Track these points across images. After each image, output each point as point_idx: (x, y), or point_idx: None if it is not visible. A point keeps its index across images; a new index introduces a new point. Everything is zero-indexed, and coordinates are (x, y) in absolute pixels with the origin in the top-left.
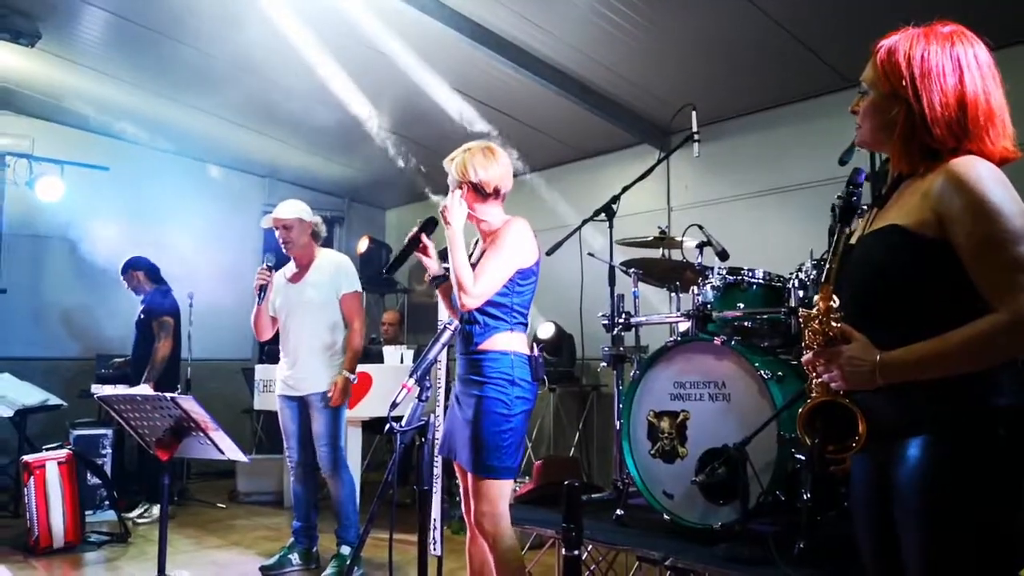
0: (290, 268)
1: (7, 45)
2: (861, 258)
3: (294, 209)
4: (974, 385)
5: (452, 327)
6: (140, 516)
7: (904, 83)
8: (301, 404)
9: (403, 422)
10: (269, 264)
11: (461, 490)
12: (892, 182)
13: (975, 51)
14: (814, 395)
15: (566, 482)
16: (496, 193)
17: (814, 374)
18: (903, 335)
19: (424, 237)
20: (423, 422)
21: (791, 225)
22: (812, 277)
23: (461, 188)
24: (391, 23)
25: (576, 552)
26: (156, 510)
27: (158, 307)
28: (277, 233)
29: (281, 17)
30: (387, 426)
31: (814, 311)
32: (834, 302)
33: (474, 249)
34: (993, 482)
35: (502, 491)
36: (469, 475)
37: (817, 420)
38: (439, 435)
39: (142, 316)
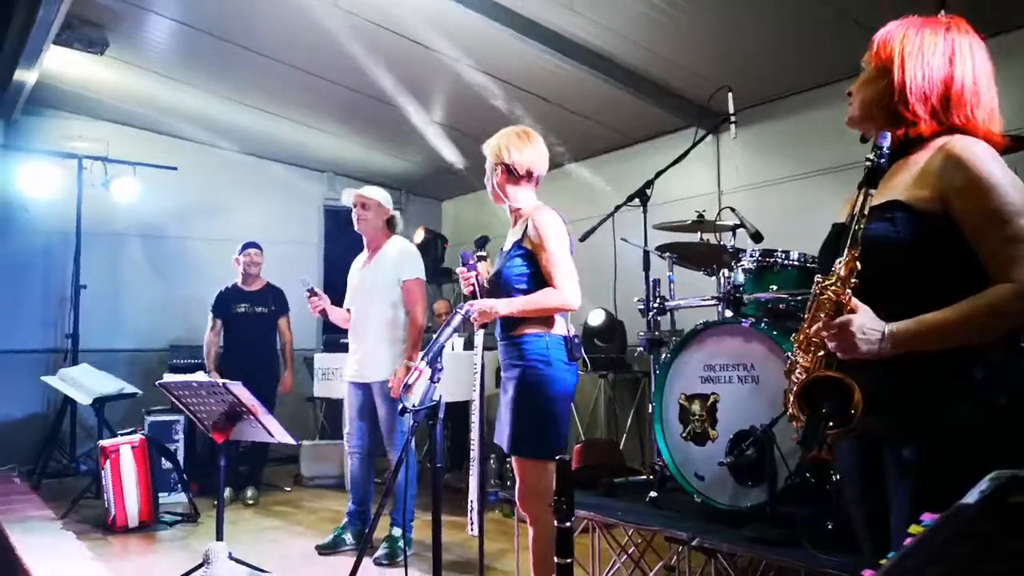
0: (363, 256)
1: (80, 54)
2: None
3: (376, 192)
4: (969, 358)
5: (462, 312)
6: (249, 499)
7: (893, 57)
8: (366, 390)
9: (415, 402)
10: (307, 288)
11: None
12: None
13: (970, 40)
14: (797, 375)
15: (559, 458)
16: (529, 176)
17: (803, 352)
18: (903, 309)
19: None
20: (435, 402)
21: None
22: None
23: (496, 169)
24: (437, 21)
25: (568, 524)
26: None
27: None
28: (354, 210)
29: (333, 17)
30: (400, 407)
31: (833, 277)
32: (857, 266)
33: (508, 238)
34: (995, 453)
35: (545, 470)
36: (513, 457)
37: (814, 398)
38: (475, 417)
39: (271, 310)
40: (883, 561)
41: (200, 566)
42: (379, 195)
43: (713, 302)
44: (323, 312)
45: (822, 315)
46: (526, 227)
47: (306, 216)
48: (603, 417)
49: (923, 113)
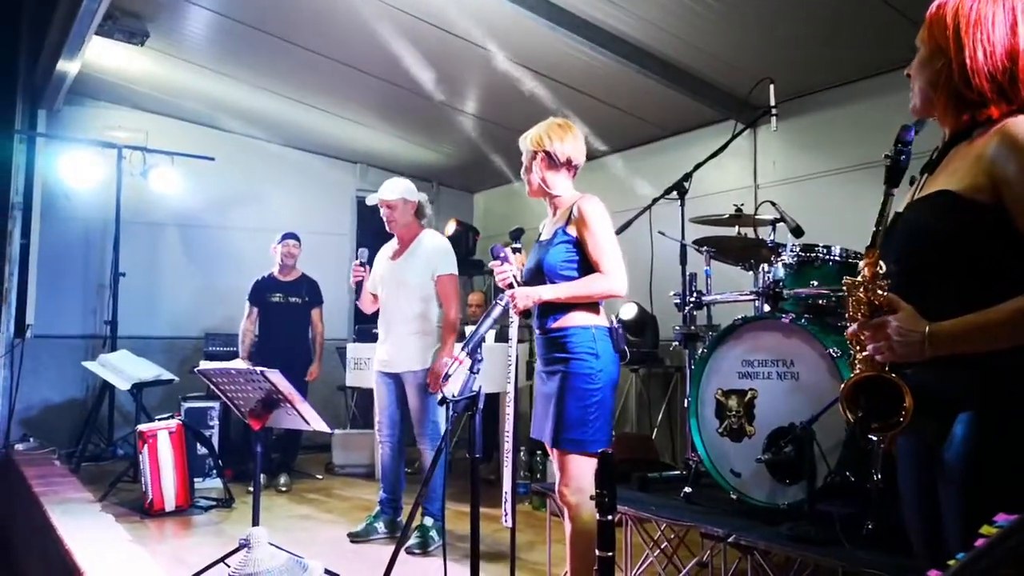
0: (392, 245)
1: (120, 45)
2: (908, 225)
3: (398, 189)
4: (1022, 358)
5: (502, 303)
6: (281, 486)
7: (948, 34)
8: (396, 381)
9: (456, 393)
10: (362, 260)
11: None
12: (943, 147)
13: None
14: (858, 370)
15: (602, 452)
16: (568, 164)
17: (857, 347)
18: (951, 305)
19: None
20: (474, 393)
21: None
22: None
23: (536, 157)
24: (472, 11)
25: (609, 517)
26: (283, 480)
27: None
28: (382, 211)
29: (369, 8)
30: (440, 397)
31: (859, 278)
32: (880, 268)
33: (543, 228)
34: None
35: (589, 465)
36: (555, 450)
37: (861, 396)
38: (509, 410)
39: (304, 300)
40: (951, 562)
41: (238, 550)
42: (400, 191)
43: (751, 297)
44: (356, 284)
45: (859, 315)
46: (570, 214)
47: (339, 206)
48: (634, 411)
49: (990, 94)
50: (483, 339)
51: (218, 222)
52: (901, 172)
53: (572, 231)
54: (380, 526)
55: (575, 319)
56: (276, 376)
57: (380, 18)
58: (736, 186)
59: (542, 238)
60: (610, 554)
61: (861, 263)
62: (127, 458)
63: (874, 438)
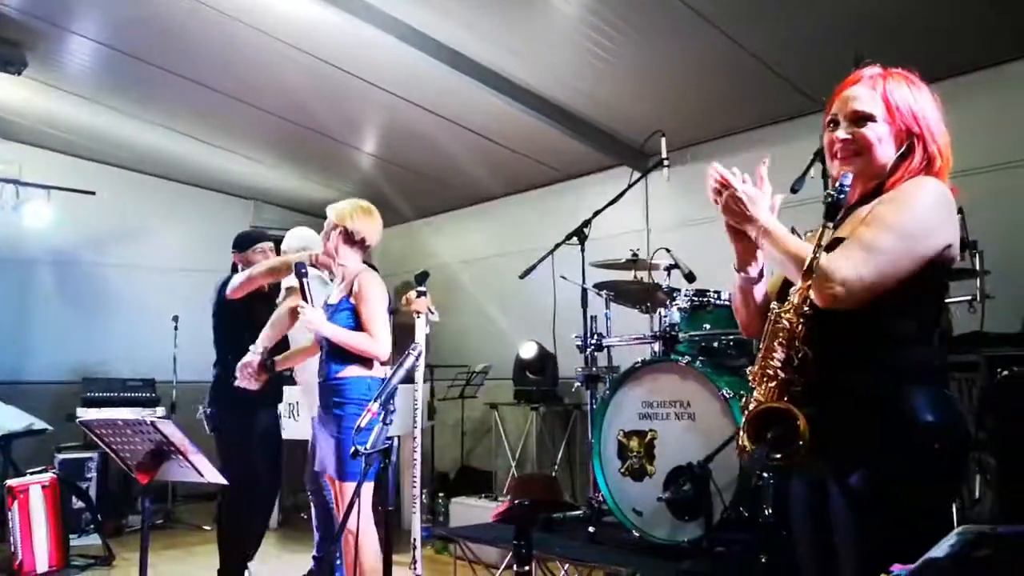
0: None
1: None
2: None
3: (295, 241)
4: (907, 401)
5: (415, 352)
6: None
7: (916, 123)
8: None
9: (368, 445)
10: None
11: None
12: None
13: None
14: (753, 404)
15: (517, 502)
16: (362, 243)
17: (755, 386)
18: (859, 341)
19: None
20: (387, 444)
21: None
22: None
23: (335, 228)
24: (371, 53)
25: (527, 568)
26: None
27: None
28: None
29: (265, 45)
30: (353, 449)
31: (787, 305)
32: (810, 294)
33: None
34: (931, 506)
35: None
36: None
37: (766, 432)
38: (416, 454)
39: None
40: None
41: None
42: (299, 242)
43: (649, 340)
44: None
45: (776, 344)
46: (352, 285)
47: (230, 243)
48: (535, 449)
49: (941, 163)
50: (396, 390)
51: (98, 259)
52: (839, 209)
53: (353, 300)
54: None
55: (352, 371)
56: (168, 427)
57: (274, 53)
58: (630, 229)
59: (329, 301)
60: None
61: (793, 291)
62: None
63: (765, 474)
